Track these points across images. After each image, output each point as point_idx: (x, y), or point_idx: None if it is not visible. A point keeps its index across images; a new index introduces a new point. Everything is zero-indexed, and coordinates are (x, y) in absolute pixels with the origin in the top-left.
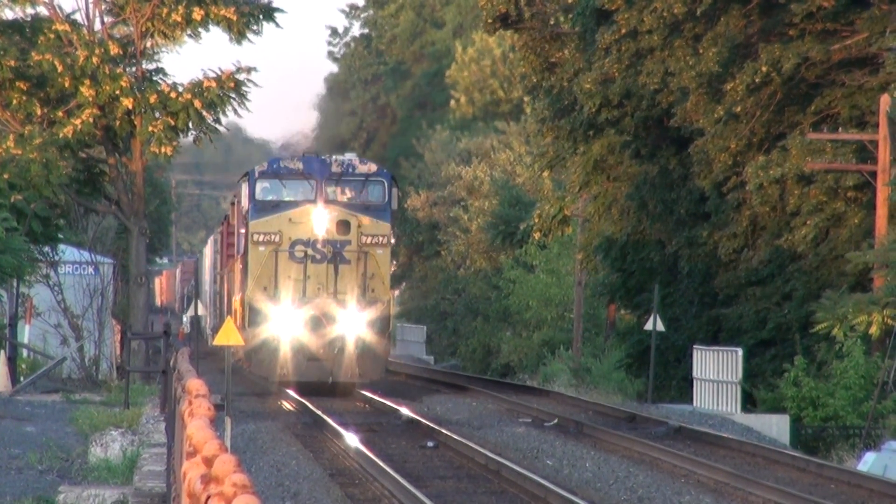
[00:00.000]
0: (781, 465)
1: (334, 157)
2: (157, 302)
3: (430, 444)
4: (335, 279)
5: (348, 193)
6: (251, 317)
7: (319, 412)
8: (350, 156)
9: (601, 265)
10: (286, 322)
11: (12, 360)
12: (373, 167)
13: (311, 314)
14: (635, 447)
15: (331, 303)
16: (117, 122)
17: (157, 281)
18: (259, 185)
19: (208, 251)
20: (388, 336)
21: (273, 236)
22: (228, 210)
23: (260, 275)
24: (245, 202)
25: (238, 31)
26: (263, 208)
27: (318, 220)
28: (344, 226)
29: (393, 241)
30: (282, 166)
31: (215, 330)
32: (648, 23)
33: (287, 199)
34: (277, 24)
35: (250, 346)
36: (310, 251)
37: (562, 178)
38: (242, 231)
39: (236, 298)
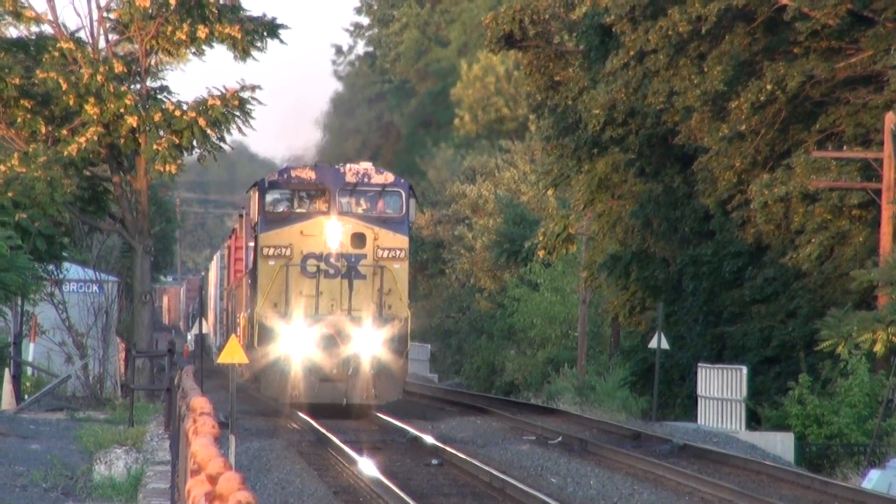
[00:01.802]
0: (786, 483)
1: (349, 165)
2: (165, 320)
3: (434, 461)
4: (349, 295)
5: (363, 205)
6: (260, 335)
7: (324, 430)
8: (365, 165)
9: (606, 283)
10: (297, 340)
11: (17, 378)
12: (389, 177)
13: (323, 332)
14: (639, 465)
15: (345, 320)
16: (122, 141)
17: (164, 298)
18: (269, 196)
19: (214, 267)
20: (406, 356)
21: (284, 250)
22: (236, 223)
23: (270, 290)
24: (254, 214)
25: (242, 49)
26: (274, 220)
27: (332, 232)
28: (359, 239)
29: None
30: (293, 176)
31: (221, 348)
32: (654, 41)
33: (299, 210)
34: (282, 41)
35: (259, 366)
36: (323, 266)
37: (566, 197)
38: (251, 244)
39: (244, 315)
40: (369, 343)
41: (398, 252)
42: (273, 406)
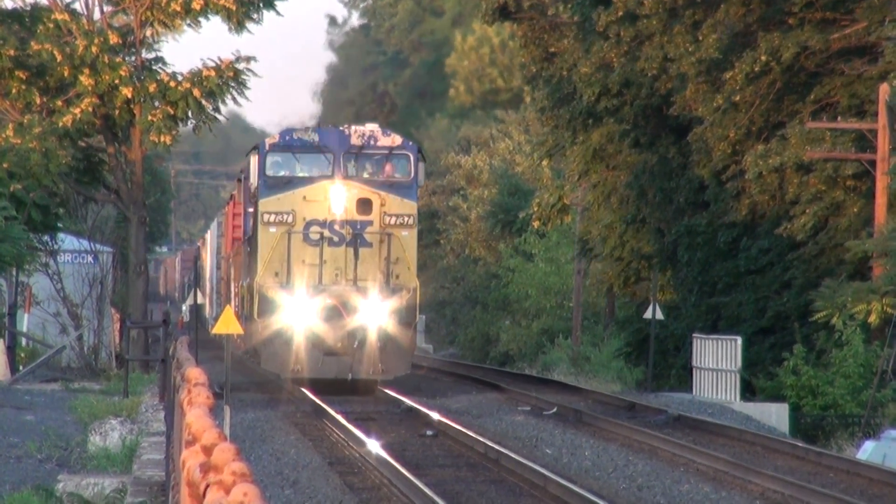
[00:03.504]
0: (780, 454)
1: (354, 127)
2: (162, 290)
3: (429, 432)
4: (355, 264)
5: (369, 168)
6: (261, 306)
7: (319, 401)
8: (371, 126)
9: (601, 246)
10: (300, 312)
11: (11, 349)
12: (397, 139)
13: (327, 303)
14: (634, 436)
15: (350, 290)
16: (116, 112)
17: (161, 268)
18: (270, 159)
19: (210, 236)
20: (415, 328)
21: (285, 216)
22: (234, 188)
23: (270, 259)
24: (254, 178)
25: (237, 21)
26: (275, 185)
27: (336, 198)
28: (365, 204)
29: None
30: (295, 138)
31: (217, 318)
32: (648, 6)
33: (301, 174)
34: (278, 12)
35: (259, 338)
36: (326, 233)
37: (561, 167)
38: (251, 210)
39: (243, 285)
40: (376, 314)
41: (406, 218)
42: (272, 379)
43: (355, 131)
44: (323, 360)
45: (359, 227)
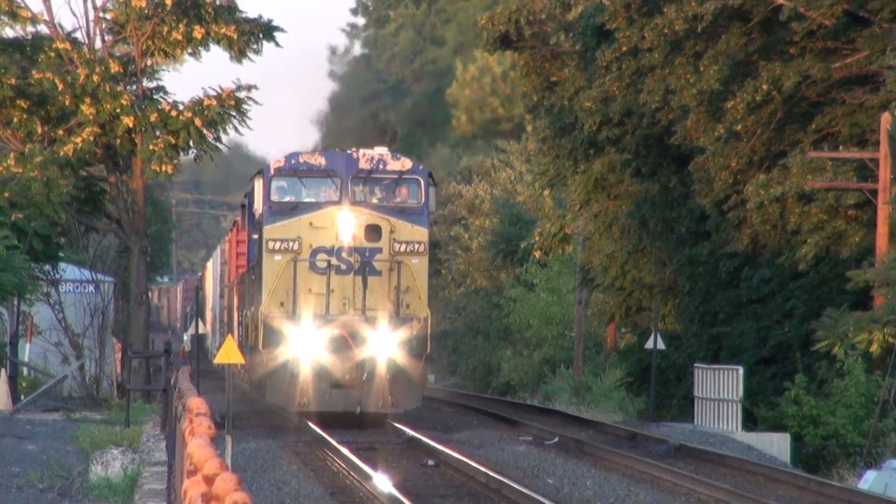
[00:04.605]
0: (782, 484)
1: (362, 151)
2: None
3: (430, 462)
4: (364, 293)
5: (378, 194)
6: (265, 336)
7: (320, 430)
8: (380, 150)
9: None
10: (306, 343)
11: (13, 379)
12: (407, 163)
13: (335, 334)
14: (636, 465)
15: (358, 321)
16: (118, 141)
17: (165, 298)
18: (275, 184)
19: (213, 264)
20: (426, 359)
21: (291, 243)
22: (238, 215)
23: (276, 288)
24: (258, 203)
25: (238, 50)
26: (280, 211)
27: (344, 224)
28: (373, 231)
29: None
30: (301, 162)
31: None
32: (649, 40)
33: (307, 199)
34: (278, 44)
35: (264, 370)
36: (334, 261)
37: (562, 197)
38: (255, 237)
39: (247, 314)
40: (385, 345)
41: (417, 245)
42: (273, 409)
43: (364, 155)
44: (330, 393)
45: (367, 254)
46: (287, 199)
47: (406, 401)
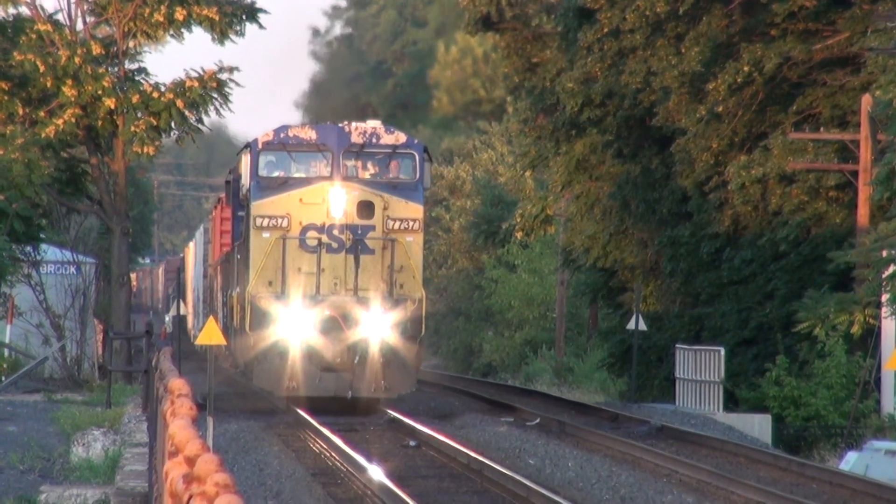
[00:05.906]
0: (763, 465)
1: (354, 124)
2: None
3: (412, 443)
4: (356, 272)
5: (371, 169)
6: (253, 318)
7: (302, 412)
8: (373, 123)
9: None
10: (296, 325)
11: None
12: (401, 137)
13: (326, 315)
14: (618, 446)
15: (350, 301)
16: (99, 122)
17: (147, 280)
18: (263, 159)
19: (195, 244)
20: (420, 341)
21: (280, 220)
22: (223, 192)
23: (264, 267)
24: (245, 179)
25: (220, 32)
26: (268, 186)
27: (335, 200)
28: (366, 208)
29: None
30: (290, 136)
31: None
32: (631, 21)
33: (297, 175)
34: (261, 26)
35: (251, 353)
36: (325, 238)
37: (544, 178)
38: (242, 214)
39: (233, 295)
40: (378, 327)
41: (411, 223)
42: (256, 391)
43: (356, 128)
44: (321, 377)
45: (360, 232)
46: (276, 174)
47: (399, 385)
